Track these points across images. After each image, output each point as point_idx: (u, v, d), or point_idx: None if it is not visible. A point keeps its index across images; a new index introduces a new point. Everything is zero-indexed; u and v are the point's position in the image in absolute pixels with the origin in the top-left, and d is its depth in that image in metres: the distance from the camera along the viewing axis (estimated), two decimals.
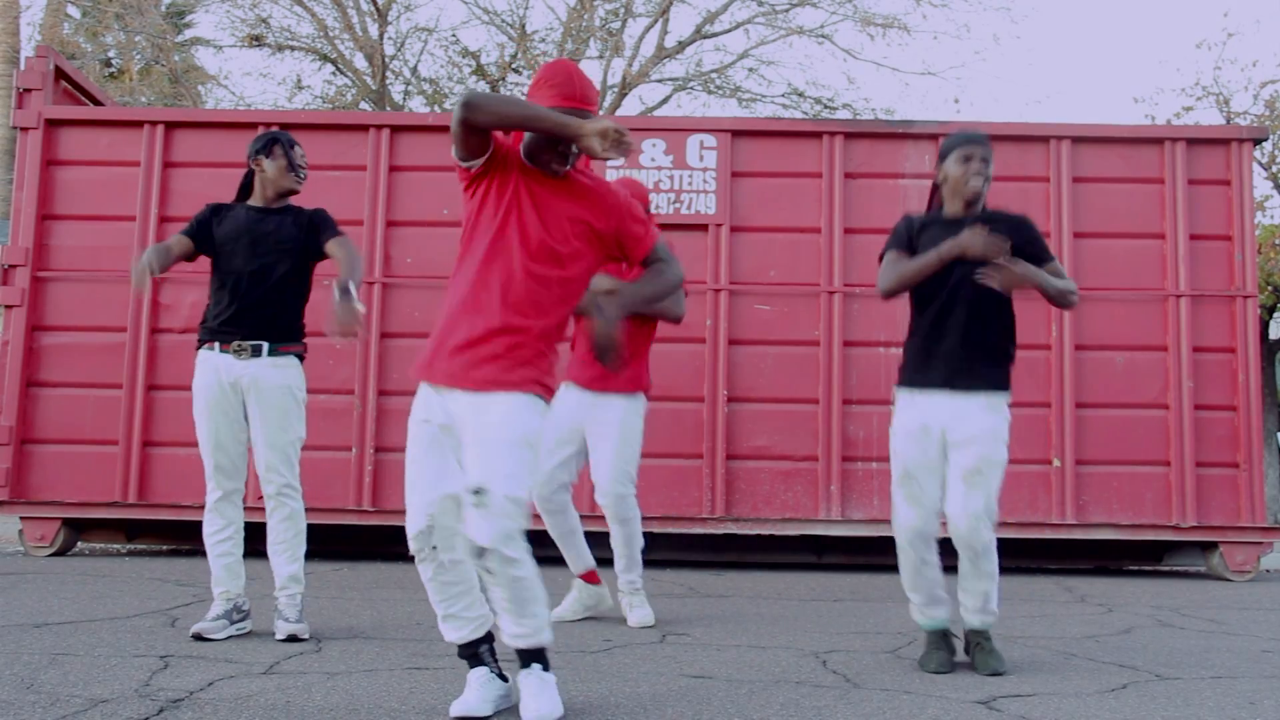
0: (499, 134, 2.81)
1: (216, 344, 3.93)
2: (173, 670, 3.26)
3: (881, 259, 3.69)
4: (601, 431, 4.46)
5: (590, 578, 4.56)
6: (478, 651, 2.88)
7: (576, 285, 2.86)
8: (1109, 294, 6.85)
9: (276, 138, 4.02)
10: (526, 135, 2.81)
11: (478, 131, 2.71)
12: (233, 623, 3.89)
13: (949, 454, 3.53)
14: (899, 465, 3.59)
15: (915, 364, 3.63)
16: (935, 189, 3.76)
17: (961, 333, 3.55)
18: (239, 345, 3.90)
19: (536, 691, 2.73)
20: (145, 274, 3.72)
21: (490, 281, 2.77)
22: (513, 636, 2.77)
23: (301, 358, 4.04)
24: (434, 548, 2.80)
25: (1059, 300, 3.60)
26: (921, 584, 3.61)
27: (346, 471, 6.70)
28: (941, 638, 3.61)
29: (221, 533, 3.95)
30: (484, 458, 2.69)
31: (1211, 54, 33.66)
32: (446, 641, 2.89)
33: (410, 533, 2.82)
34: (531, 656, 2.77)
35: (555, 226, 2.81)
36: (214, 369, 3.92)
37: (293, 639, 3.83)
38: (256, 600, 4.32)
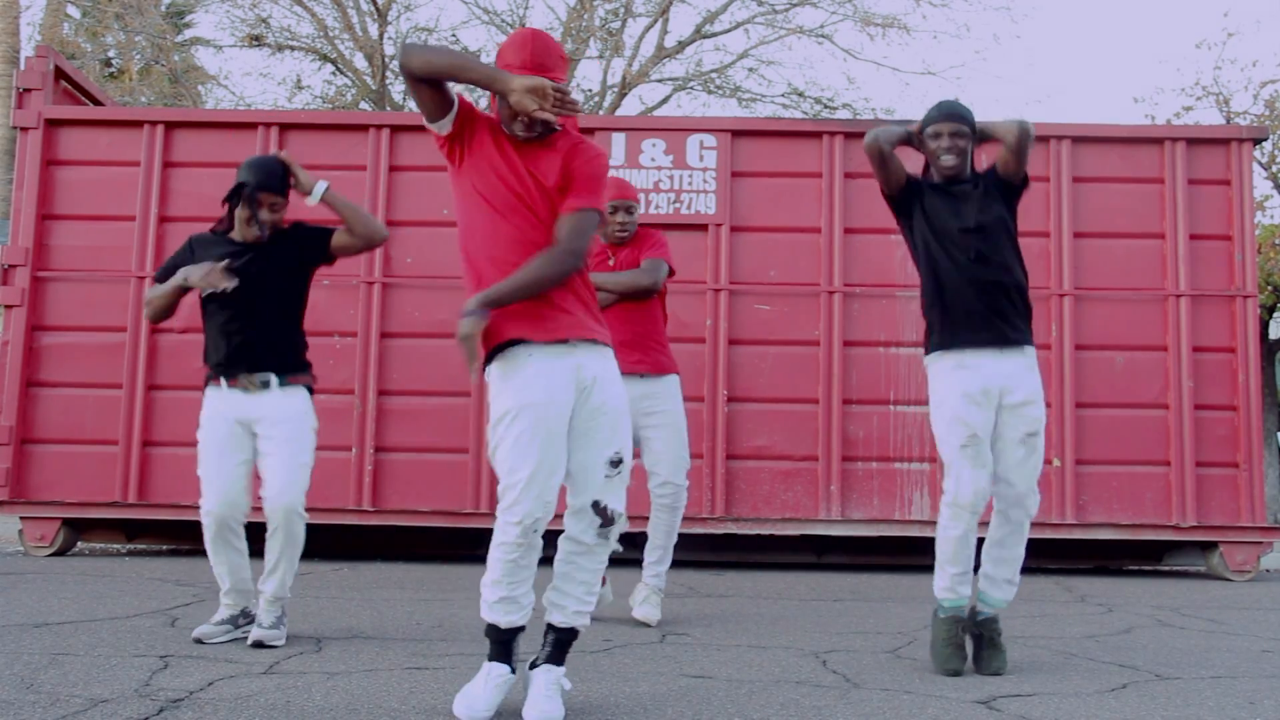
0: (462, 95, 2.84)
1: (224, 380, 3.85)
2: (173, 670, 3.26)
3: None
4: (657, 419, 4.43)
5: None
6: (513, 642, 2.83)
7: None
8: (1109, 294, 6.85)
9: (242, 185, 3.84)
10: (498, 101, 2.81)
11: (424, 84, 2.74)
12: (237, 627, 3.88)
13: (1003, 416, 3.55)
14: (962, 430, 3.51)
15: (960, 323, 3.59)
16: (927, 162, 3.82)
17: (996, 289, 3.58)
18: (248, 379, 3.81)
19: (547, 694, 2.72)
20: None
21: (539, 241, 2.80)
22: (575, 614, 2.80)
23: (311, 390, 3.95)
24: (536, 531, 2.72)
25: (1003, 129, 3.60)
26: (964, 553, 3.55)
27: (346, 471, 6.70)
28: (959, 630, 3.56)
29: (224, 561, 3.86)
30: (620, 427, 2.76)
31: (1211, 54, 33.64)
32: (486, 629, 2.82)
33: (524, 519, 2.68)
34: (569, 642, 2.81)
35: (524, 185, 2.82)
36: (223, 404, 3.84)
37: (260, 645, 3.72)
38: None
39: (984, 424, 3.53)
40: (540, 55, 2.80)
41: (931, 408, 3.67)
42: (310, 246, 3.94)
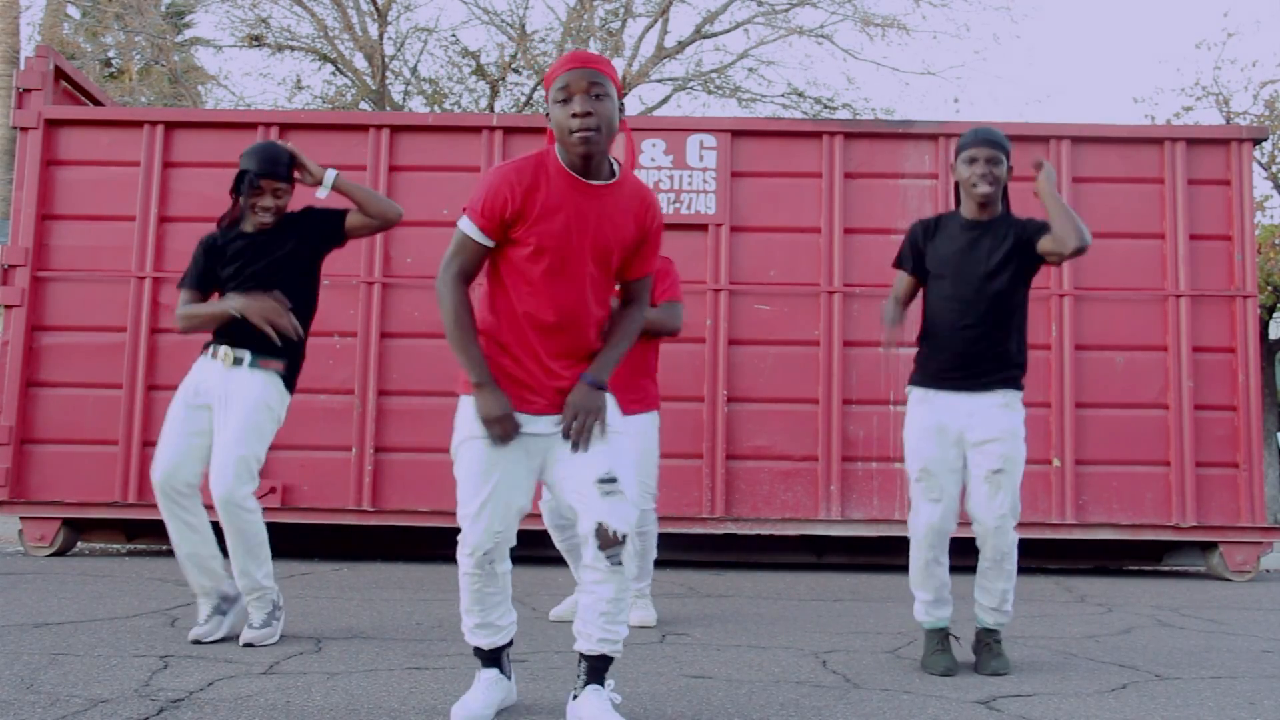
0: (503, 214, 2.65)
1: (209, 349, 3.87)
2: (173, 670, 3.26)
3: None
4: None
5: None
6: (500, 655, 2.85)
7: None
8: (1109, 294, 6.85)
9: (243, 174, 3.83)
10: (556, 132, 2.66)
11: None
12: (224, 614, 3.83)
13: (969, 454, 3.54)
14: (916, 463, 3.59)
15: (929, 363, 3.64)
16: (958, 185, 3.74)
17: (976, 334, 3.54)
18: (225, 353, 3.80)
19: (604, 709, 2.64)
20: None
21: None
22: (600, 642, 2.66)
23: (284, 377, 3.86)
24: (491, 562, 2.70)
25: (1068, 223, 3.41)
26: (931, 583, 3.61)
27: (346, 471, 6.71)
28: (944, 638, 3.61)
29: (182, 540, 3.80)
30: (611, 446, 2.68)
31: (1211, 54, 33.64)
32: (472, 647, 2.84)
33: (474, 552, 2.67)
34: (604, 668, 2.70)
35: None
36: (197, 374, 3.86)
37: (251, 645, 3.69)
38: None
39: (938, 459, 3.55)
40: (562, 63, 2.64)
41: (904, 438, 3.72)
42: (322, 228, 3.91)
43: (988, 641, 3.59)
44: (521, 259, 2.65)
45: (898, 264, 3.79)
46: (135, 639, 3.79)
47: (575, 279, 2.66)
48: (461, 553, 2.70)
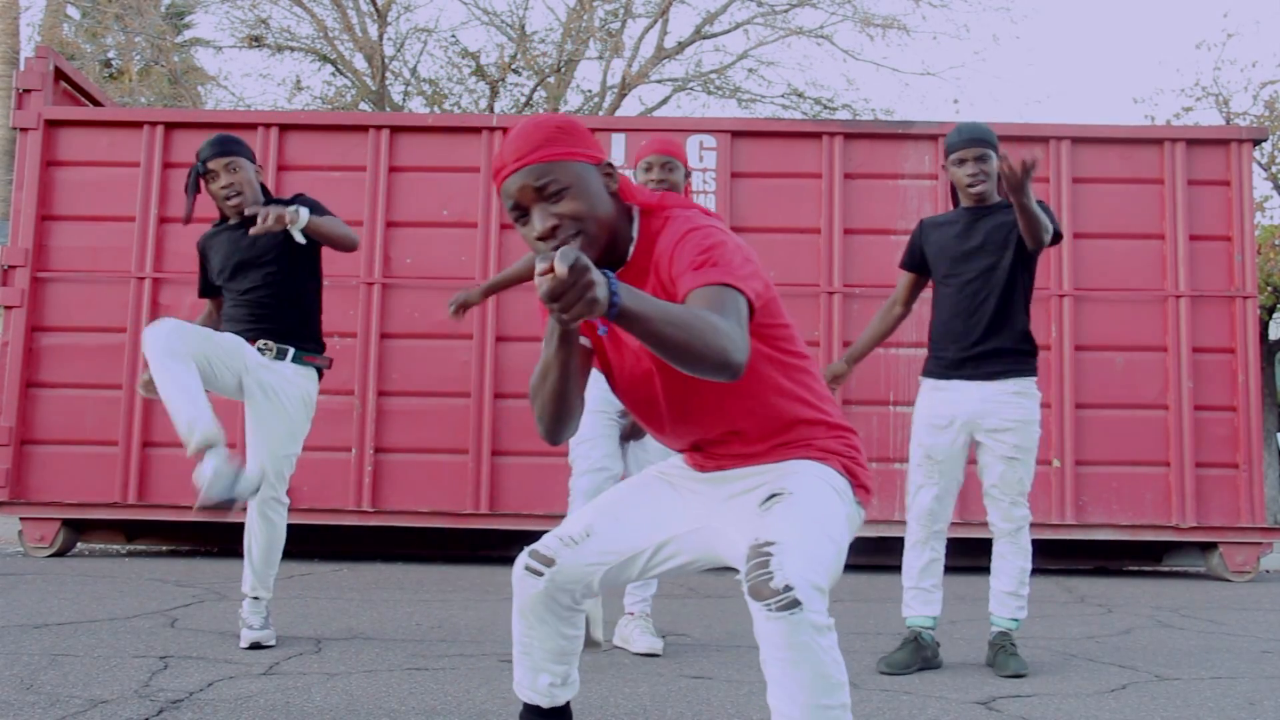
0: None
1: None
2: (172, 670, 3.26)
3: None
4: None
5: None
6: None
7: None
8: (1109, 294, 6.85)
9: (198, 158, 3.73)
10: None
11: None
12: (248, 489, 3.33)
13: (982, 440, 3.62)
14: (919, 450, 3.67)
15: (942, 354, 3.69)
16: (953, 184, 3.81)
17: (987, 323, 3.60)
18: (265, 344, 3.66)
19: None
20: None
21: None
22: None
23: (321, 372, 3.81)
24: None
25: (1033, 226, 3.43)
26: (919, 563, 3.65)
27: (346, 472, 6.70)
28: (916, 638, 3.61)
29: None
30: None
31: (1211, 54, 33.70)
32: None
33: None
34: None
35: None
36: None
37: (257, 646, 3.61)
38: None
39: (944, 448, 3.64)
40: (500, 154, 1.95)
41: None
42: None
43: (1003, 644, 3.59)
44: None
45: (902, 264, 3.93)
46: (135, 639, 3.78)
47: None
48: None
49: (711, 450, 2.05)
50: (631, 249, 1.95)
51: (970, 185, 3.64)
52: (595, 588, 2.07)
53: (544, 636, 2.07)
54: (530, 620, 2.06)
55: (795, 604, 1.62)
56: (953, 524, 3.80)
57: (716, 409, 1.98)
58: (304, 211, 3.56)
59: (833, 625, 1.68)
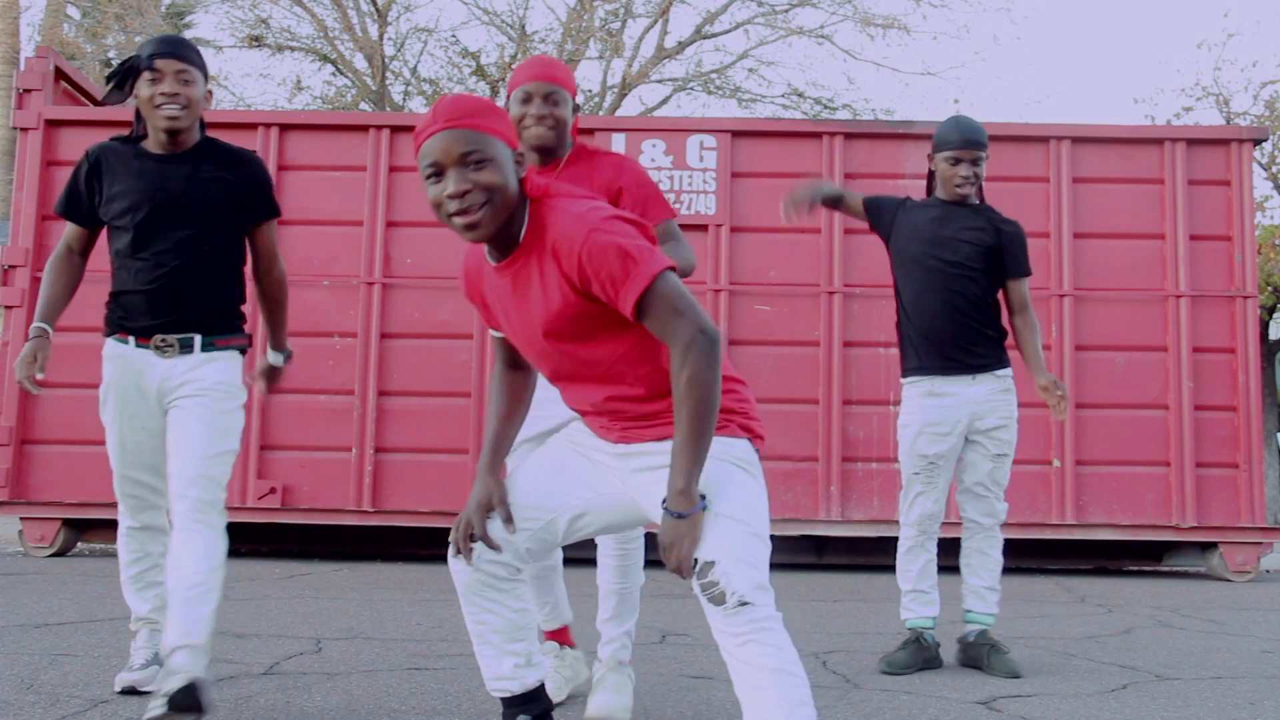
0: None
1: (131, 337, 2.99)
2: None
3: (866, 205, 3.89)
4: None
5: (562, 636, 3.10)
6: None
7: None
8: (1109, 294, 6.85)
9: (141, 53, 2.82)
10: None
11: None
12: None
13: (976, 439, 3.64)
14: (919, 460, 3.64)
15: (928, 351, 3.64)
16: (931, 174, 3.81)
17: (970, 311, 3.61)
18: (161, 341, 2.91)
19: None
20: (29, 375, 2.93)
21: None
22: None
23: (244, 351, 2.99)
24: None
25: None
26: (915, 565, 3.66)
27: (346, 471, 6.70)
28: (917, 639, 3.61)
29: (139, 564, 3.09)
30: None
31: (1211, 54, 33.65)
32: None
33: None
34: None
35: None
36: (126, 367, 3.01)
37: (131, 691, 2.90)
38: (249, 601, 4.31)
39: (945, 455, 3.64)
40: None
41: (899, 425, 3.74)
42: (248, 201, 2.93)
43: (993, 644, 3.58)
44: None
45: (869, 200, 3.89)
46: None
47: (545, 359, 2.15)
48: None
49: (611, 412, 2.12)
50: (523, 232, 2.07)
51: (959, 186, 3.65)
52: (524, 555, 2.17)
53: (494, 617, 2.16)
54: (476, 605, 2.16)
55: (747, 603, 1.89)
56: (944, 523, 3.78)
57: (609, 374, 2.09)
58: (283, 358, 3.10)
59: (779, 616, 1.93)
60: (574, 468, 2.21)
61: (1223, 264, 6.90)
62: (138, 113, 2.88)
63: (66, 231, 3.12)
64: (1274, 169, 14.05)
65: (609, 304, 1.97)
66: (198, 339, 2.90)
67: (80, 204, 2.99)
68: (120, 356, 3.08)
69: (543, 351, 2.11)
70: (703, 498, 1.94)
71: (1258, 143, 7.37)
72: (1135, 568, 7.30)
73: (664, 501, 1.94)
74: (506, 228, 2.04)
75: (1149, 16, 47.84)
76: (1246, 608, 5.40)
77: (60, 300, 3.14)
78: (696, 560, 1.91)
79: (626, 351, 2.05)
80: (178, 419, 2.87)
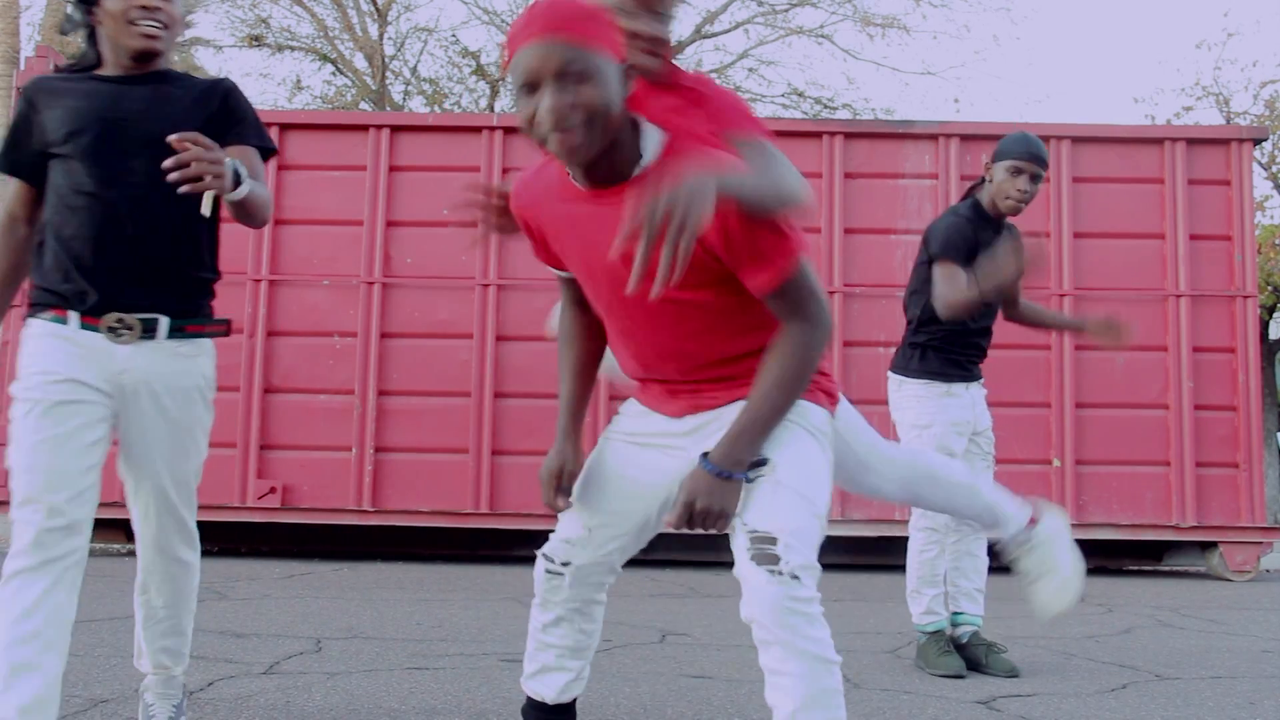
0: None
1: (74, 314, 2.13)
2: None
3: (931, 263, 3.52)
4: None
5: None
6: None
7: None
8: (1109, 294, 6.85)
9: None
10: None
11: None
12: None
13: (974, 444, 3.71)
14: (950, 455, 3.55)
15: (956, 356, 3.63)
16: (980, 180, 3.70)
17: (987, 324, 3.68)
18: (119, 322, 2.13)
19: None
20: None
21: None
22: None
23: (219, 335, 2.29)
24: None
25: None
26: (937, 576, 3.65)
27: (346, 471, 6.71)
28: (946, 639, 3.60)
29: (27, 622, 2.06)
30: None
31: (1211, 54, 33.65)
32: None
33: None
34: None
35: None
36: (68, 354, 2.12)
37: None
38: (249, 601, 4.31)
39: (963, 451, 3.67)
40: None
41: (911, 426, 3.62)
42: (220, 120, 2.20)
43: (990, 644, 3.58)
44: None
45: (952, 256, 3.50)
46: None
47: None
48: None
49: (687, 371, 1.96)
50: (639, 169, 1.82)
51: (1014, 199, 3.50)
52: (617, 567, 2.18)
53: (564, 634, 2.17)
54: (554, 615, 2.16)
55: (795, 578, 1.72)
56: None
57: (701, 327, 1.93)
58: (246, 184, 2.08)
59: (819, 599, 1.77)
60: (643, 468, 2.06)
61: (1223, 264, 6.90)
62: (91, 35, 2.23)
63: (10, 194, 2.26)
64: (1274, 169, 14.06)
65: (730, 266, 1.81)
66: (163, 321, 2.18)
67: (21, 152, 2.21)
68: (56, 339, 2.15)
69: (628, 297, 1.84)
70: (763, 462, 1.80)
71: (1258, 142, 7.38)
72: (1135, 567, 7.30)
73: (707, 453, 1.79)
74: (609, 151, 1.80)
75: (1149, 16, 47.85)
76: (1246, 607, 5.40)
77: (5, 283, 2.26)
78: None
79: (729, 302, 1.88)
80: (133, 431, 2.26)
